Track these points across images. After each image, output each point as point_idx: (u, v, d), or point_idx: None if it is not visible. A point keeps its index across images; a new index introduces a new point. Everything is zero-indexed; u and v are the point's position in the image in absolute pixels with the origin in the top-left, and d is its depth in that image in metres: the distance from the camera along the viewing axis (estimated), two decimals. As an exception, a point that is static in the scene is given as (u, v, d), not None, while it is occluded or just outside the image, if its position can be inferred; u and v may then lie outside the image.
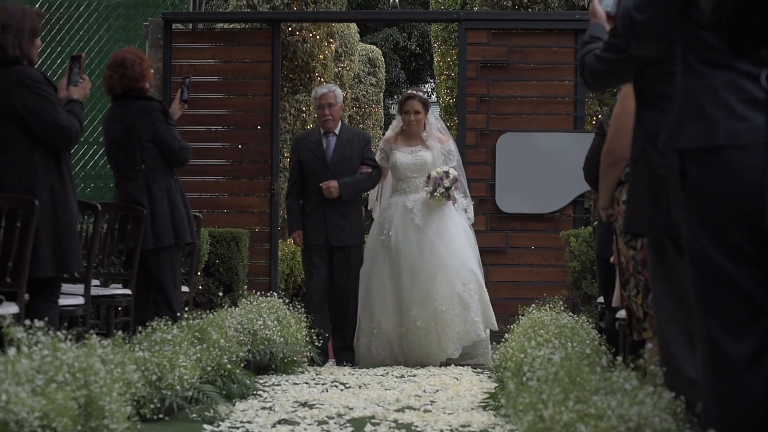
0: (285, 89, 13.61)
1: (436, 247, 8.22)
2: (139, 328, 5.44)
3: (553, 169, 9.80)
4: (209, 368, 5.45)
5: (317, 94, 8.53)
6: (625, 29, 3.34)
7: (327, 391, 6.26)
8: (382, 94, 21.68)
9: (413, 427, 4.89)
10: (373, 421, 5.05)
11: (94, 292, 6.39)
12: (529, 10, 12.60)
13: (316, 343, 7.81)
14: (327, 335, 8.26)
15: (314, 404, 5.61)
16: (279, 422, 4.95)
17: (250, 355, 6.72)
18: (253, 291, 7.88)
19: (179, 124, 7.00)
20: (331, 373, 7.36)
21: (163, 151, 6.62)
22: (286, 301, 7.97)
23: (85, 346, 4.12)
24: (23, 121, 5.29)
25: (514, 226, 9.95)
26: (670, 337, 3.74)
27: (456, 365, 8.08)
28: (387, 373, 7.51)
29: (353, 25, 18.81)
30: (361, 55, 20.29)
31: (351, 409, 5.45)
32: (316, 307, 8.17)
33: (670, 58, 3.39)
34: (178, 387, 4.91)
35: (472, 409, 5.50)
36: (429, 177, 8.30)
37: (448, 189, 8.24)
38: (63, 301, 5.73)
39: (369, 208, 9.82)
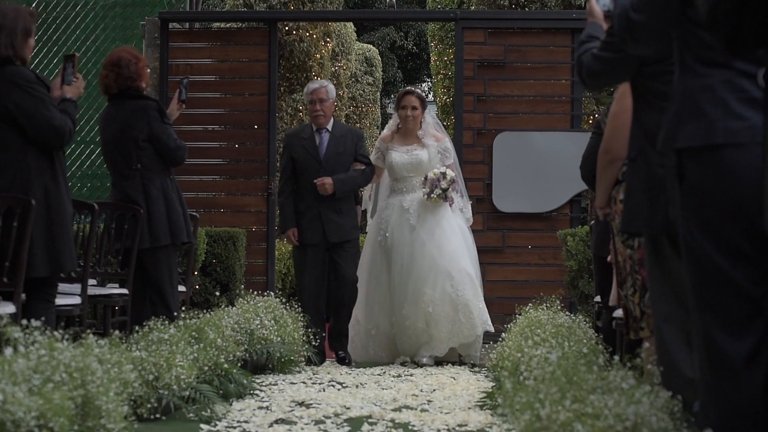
0: (282, 88, 13.59)
1: (428, 247, 8.18)
2: (136, 328, 5.44)
3: (550, 168, 9.79)
4: (206, 368, 5.45)
5: (309, 89, 8.50)
6: (623, 28, 3.33)
7: (324, 390, 6.26)
8: (379, 94, 21.63)
9: (410, 427, 4.89)
10: (370, 420, 5.04)
11: (91, 291, 6.39)
12: (526, 9, 12.59)
13: (313, 343, 7.81)
14: (324, 335, 8.25)
15: (311, 404, 5.60)
16: (276, 422, 4.95)
17: (247, 355, 6.72)
18: (250, 290, 7.87)
19: (176, 124, 7.00)
20: (328, 373, 7.37)
21: (159, 151, 6.62)
22: (283, 300, 7.96)
23: (82, 345, 4.12)
24: (16, 122, 5.29)
25: (511, 226, 9.94)
26: (667, 337, 3.73)
27: (450, 364, 8.08)
28: (384, 372, 7.51)
29: (350, 25, 18.77)
30: (357, 55, 20.25)
31: (348, 408, 5.44)
32: (310, 307, 8.12)
33: (668, 57, 3.39)
34: (175, 386, 4.90)
35: (469, 408, 5.50)
36: (426, 178, 8.28)
37: (445, 190, 8.22)
38: (60, 300, 5.73)
39: (363, 207, 9.81)
